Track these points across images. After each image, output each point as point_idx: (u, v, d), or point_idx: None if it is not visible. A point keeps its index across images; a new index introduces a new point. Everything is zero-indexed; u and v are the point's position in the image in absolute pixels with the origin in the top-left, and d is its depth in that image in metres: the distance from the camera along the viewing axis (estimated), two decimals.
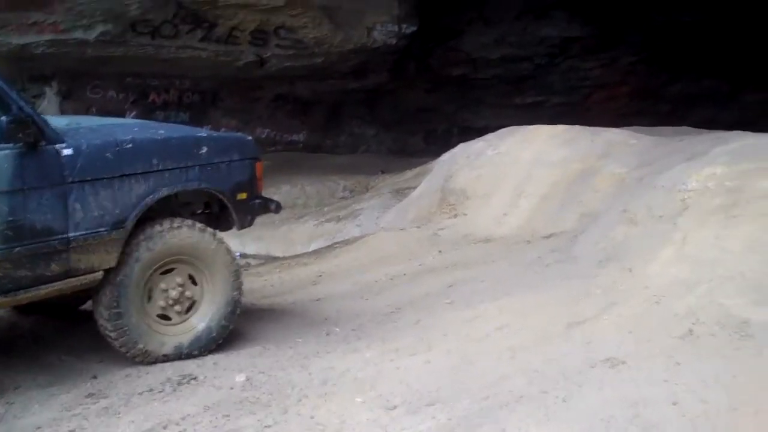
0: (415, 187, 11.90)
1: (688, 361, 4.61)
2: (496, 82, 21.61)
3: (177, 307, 5.65)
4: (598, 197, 8.60)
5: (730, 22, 20.15)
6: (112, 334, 5.37)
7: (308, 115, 20.34)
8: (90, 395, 5.13)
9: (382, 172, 16.42)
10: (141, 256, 5.40)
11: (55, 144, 5.07)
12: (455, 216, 9.79)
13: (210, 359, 5.66)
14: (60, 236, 5.05)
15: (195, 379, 5.29)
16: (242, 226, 6.27)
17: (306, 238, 11.99)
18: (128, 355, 5.45)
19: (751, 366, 4.43)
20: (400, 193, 12.87)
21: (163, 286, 5.58)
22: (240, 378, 5.23)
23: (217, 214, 6.23)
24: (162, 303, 5.59)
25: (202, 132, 6.32)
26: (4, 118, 4.79)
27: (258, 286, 8.09)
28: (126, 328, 5.36)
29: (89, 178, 5.17)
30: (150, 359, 5.50)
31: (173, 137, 5.86)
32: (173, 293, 5.61)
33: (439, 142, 19.91)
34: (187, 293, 5.69)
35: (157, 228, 5.49)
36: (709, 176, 6.38)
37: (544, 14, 20.34)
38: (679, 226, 6.07)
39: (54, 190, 5.04)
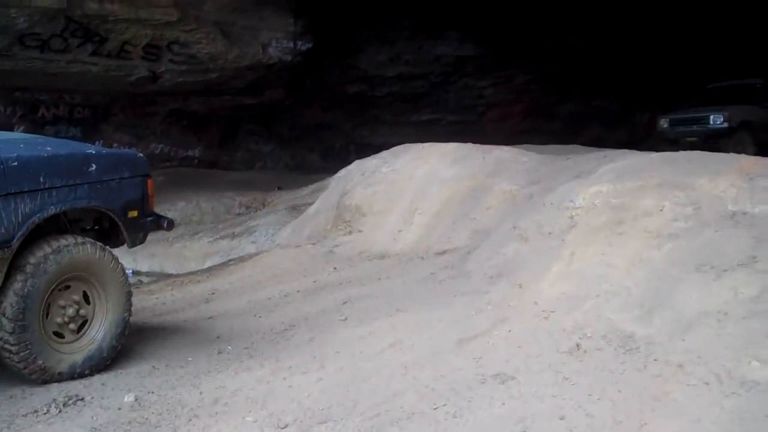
0: (311, 204, 11.90)
1: (576, 375, 4.69)
2: (392, 99, 21.78)
3: (71, 325, 5.58)
4: (489, 214, 8.73)
5: (619, 44, 20.71)
6: (13, 349, 5.20)
7: (204, 130, 20.17)
8: None
9: (279, 189, 16.37)
10: (47, 270, 5.31)
11: None
12: (350, 233, 9.82)
13: (97, 379, 5.54)
14: None
15: (81, 399, 5.16)
16: (133, 244, 6.21)
17: (200, 255, 11.88)
18: (25, 371, 5.30)
19: (636, 379, 4.53)
20: (297, 209, 12.85)
21: (61, 302, 5.51)
22: (128, 398, 5.13)
23: (107, 231, 6.15)
24: (59, 320, 5.50)
25: (91, 149, 6.15)
26: None
27: (150, 304, 7.97)
28: (28, 343, 5.23)
29: None
30: (46, 377, 5.38)
31: (61, 154, 5.70)
32: (70, 311, 5.55)
33: (337, 159, 19.96)
34: (81, 311, 5.62)
35: (63, 243, 5.43)
36: (596, 194, 6.52)
37: (438, 34, 20.59)
38: (567, 242, 6.19)
39: None
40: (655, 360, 4.68)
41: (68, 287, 5.56)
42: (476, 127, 21.82)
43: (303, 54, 18.17)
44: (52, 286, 5.40)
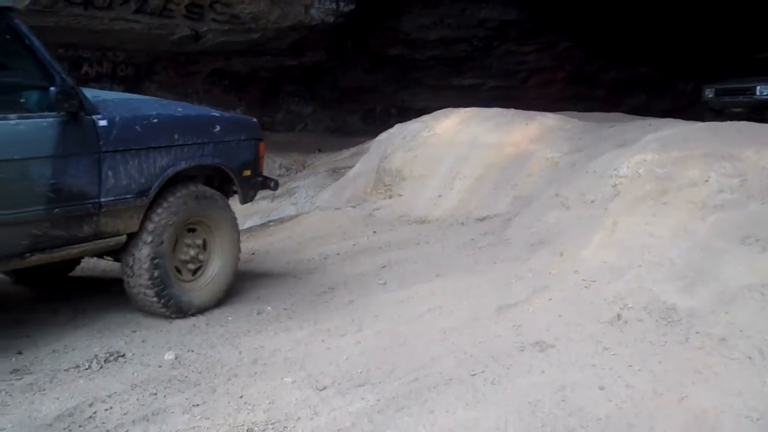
0: (351, 167, 11.90)
1: (616, 346, 4.67)
2: (434, 63, 21.64)
3: (190, 265, 6.10)
4: (531, 181, 8.68)
5: (664, 11, 20.40)
6: (148, 284, 5.73)
7: (245, 91, 20.18)
8: (14, 371, 5.02)
9: (319, 151, 16.36)
10: (178, 214, 5.87)
11: (92, 115, 5.35)
12: (390, 197, 9.81)
13: (138, 336, 5.59)
14: (93, 200, 5.36)
15: (122, 356, 5.21)
16: (245, 201, 6.78)
17: (240, 216, 11.88)
18: (159, 307, 5.82)
19: (677, 352, 4.50)
20: (337, 172, 12.85)
21: (187, 241, 6.06)
22: (169, 356, 5.17)
23: (217, 188, 6.52)
24: (182, 257, 6.04)
25: (215, 112, 6.66)
26: (52, 88, 5.03)
27: None
28: (159, 280, 5.76)
29: (121, 149, 5.50)
30: (172, 311, 5.88)
31: (192, 115, 6.29)
32: (192, 252, 6.10)
33: (378, 122, 19.93)
34: (200, 256, 6.17)
35: (192, 190, 6.00)
36: (640, 163, 6.45)
37: None
38: (610, 211, 6.14)
39: (90, 158, 5.33)
40: (697, 333, 4.66)
41: (193, 231, 6.10)
42: (518, 93, 21.65)
43: (345, 15, 18.08)
44: (177, 226, 5.90)
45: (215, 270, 6.25)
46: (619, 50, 22.06)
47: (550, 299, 5.47)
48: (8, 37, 5.14)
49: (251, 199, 6.89)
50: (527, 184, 8.67)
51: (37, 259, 5.25)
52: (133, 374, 4.93)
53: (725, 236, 5.32)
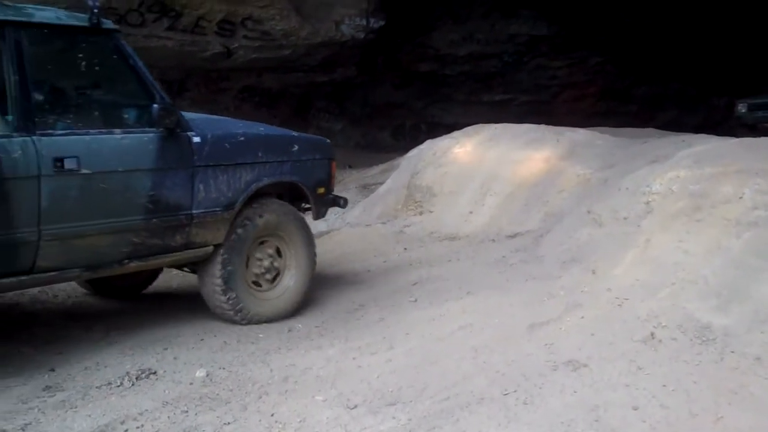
0: (381, 183, 11.89)
1: (650, 365, 4.61)
2: (464, 78, 21.62)
3: (267, 275, 6.40)
4: (562, 197, 8.63)
5: (697, 26, 20.29)
6: (222, 298, 6.09)
7: (276, 107, 20.24)
8: (47, 388, 5.05)
9: (350, 167, 16.36)
10: (254, 227, 6.22)
11: (187, 132, 5.78)
12: (421, 213, 9.79)
13: (170, 353, 5.61)
14: (186, 212, 5.77)
15: (154, 373, 5.23)
16: (317, 217, 7.09)
17: None
18: (231, 314, 6.15)
19: (712, 371, 4.44)
20: (367, 188, 12.84)
21: (258, 255, 6.34)
22: (200, 373, 5.19)
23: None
24: (256, 271, 6.33)
25: (293, 132, 7.02)
26: (155, 105, 5.47)
27: None
28: (233, 289, 6.10)
29: (211, 164, 5.90)
30: (248, 320, 6.20)
31: (273, 134, 6.75)
32: (266, 262, 6.38)
33: (408, 138, 19.91)
34: (275, 264, 6.45)
35: (268, 205, 6.36)
36: (673, 179, 6.39)
37: (512, 12, 20.36)
38: (643, 228, 6.09)
39: (185, 172, 5.75)
40: (732, 352, 4.59)
41: (264, 242, 6.38)
42: (549, 109, 21.57)
43: (375, 31, 18.12)
44: (252, 240, 6.25)
45: (290, 282, 6.51)
46: (651, 65, 21.94)
47: (583, 317, 5.42)
48: (114, 57, 5.57)
49: (323, 216, 7.20)
50: (559, 200, 8.62)
51: (134, 266, 5.66)
52: (164, 392, 4.94)
53: (760, 253, 5.25)
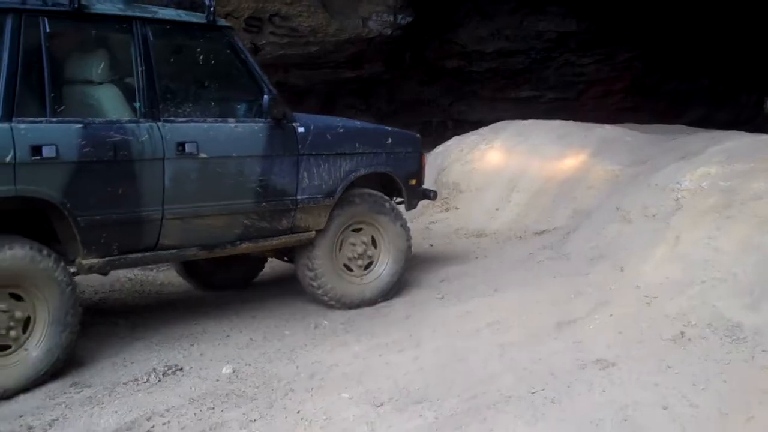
0: None
1: (679, 364, 4.57)
2: (491, 75, 21.50)
3: (359, 261, 6.73)
4: (591, 194, 8.58)
5: (726, 22, 20.10)
6: (314, 283, 6.47)
7: (303, 103, 20.16)
8: (74, 384, 5.07)
9: None
10: (345, 213, 6.58)
11: (292, 122, 6.17)
12: (447, 209, 9.77)
13: (196, 350, 5.62)
14: (291, 198, 6.16)
15: (180, 369, 5.24)
16: (410, 207, 7.31)
17: None
18: (324, 298, 6.53)
19: (743, 370, 4.38)
20: None
21: (352, 241, 6.70)
22: (226, 370, 5.19)
23: None
24: (349, 255, 6.69)
25: (387, 127, 7.29)
26: (265, 97, 5.91)
27: None
28: (324, 272, 6.48)
29: (314, 153, 6.27)
30: (340, 304, 6.57)
31: (369, 128, 7.11)
32: (359, 249, 6.73)
33: (434, 135, 19.81)
34: (368, 252, 6.80)
35: (359, 192, 6.68)
36: (704, 176, 6.32)
37: (540, 9, 20.22)
38: (673, 225, 6.02)
39: (290, 160, 6.14)
40: (763, 351, 4.54)
41: (359, 230, 6.74)
42: (576, 105, 21.43)
43: (403, 28, 18.05)
44: (345, 227, 6.61)
45: (381, 269, 6.82)
46: (679, 61, 21.75)
47: (611, 315, 5.37)
48: (228, 52, 5.98)
49: (414, 207, 7.39)
50: (587, 197, 8.56)
51: (245, 247, 6.07)
52: (190, 388, 4.94)
53: None
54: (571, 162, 9.38)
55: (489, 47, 20.77)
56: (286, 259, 6.86)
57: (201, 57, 5.96)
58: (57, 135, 4.99)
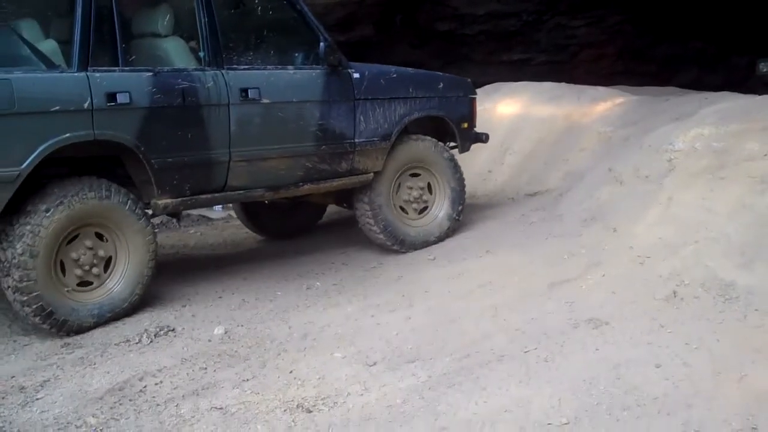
0: None
1: (672, 323, 4.57)
2: (482, 38, 21.39)
3: (414, 205, 7.04)
4: (583, 156, 8.55)
5: None
6: (375, 227, 6.78)
7: None
8: (66, 345, 5.07)
9: None
10: (399, 157, 6.85)
11: (347, 69, 6.47)
12: None
13: (188, 311, 5.61)
14: (349, 140, 6.46)
15: (172, 330, 5.23)
16: (463, 150, 7.51)
17: None
18: (393, 246, 6.84)
19: (736, 330, 4.38)
20: None
21: (409, 184, 7.00)
22: (218, 330, 5.18)
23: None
24: (405, 197, 6.99)
25: (438, 73, 7.58)
26: (322, 44, 6.20)
27: (239, 238, 8.03)
28: (384, 215, 6.78)
29: (370, 98, 6.57)
30: (400, 245, 6.86)
31: (421, 73, 7.39)
32: (414, 192, 7.02)
33: None
34: (424, 196, 7.07)
35: (411, 137, 6.94)
36: (697, 137, 6.28)
37: None
38: (665, 186, 6.00)
39: (347, 104, 6.44)
40: (756, 310, 4.53)
41: (417, 175, 7.02)
42: (567, 68, 21.32)
43: None
44: (401, 170, 6.90)
45: (438, 212, 7.11)
46: (670, 24, 21.66)
47: (604, 275, 5.37)
48: (284, 2, 6.23)
49: (467, 149, 7.56)
50: (579, 159, 8.53)
51: (307, 188, 6.39)
52: (183, 348, 4.95)
53: None
54: (563, 124, 9.35)
55: (480, 9, 20.62)
56: (345, 205, 7.15)
57: (259, 7, 6.37)
58: (130, 83, 5.36)
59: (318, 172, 6.35)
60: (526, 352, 4.49)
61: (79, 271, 5.29)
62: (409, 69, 7.35)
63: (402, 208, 6.95)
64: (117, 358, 4.82)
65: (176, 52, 5.82)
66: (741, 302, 4.64)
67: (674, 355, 4.22)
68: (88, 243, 5.32)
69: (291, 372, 4.52)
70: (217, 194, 5.98)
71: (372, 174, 6.66)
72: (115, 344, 5.04)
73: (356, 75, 6.51)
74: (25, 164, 4.92)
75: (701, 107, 7.33)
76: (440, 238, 7.03)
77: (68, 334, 5.18)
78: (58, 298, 5.14)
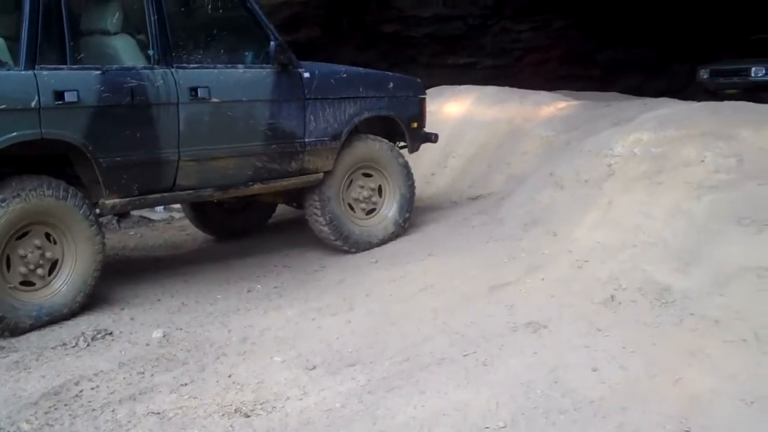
0: None
1: (609, 327, 4.61)
2: (428, 41, 21.47)
3: (363, 205, 7.08)
4: (525, 159, 8.62)
5: None
6: (321, 219, 6.78)
7: None
8: (0, 348, 4.98)
9: None
10: (349, 158, 6.87)
11: (298, 68, 6.49)
12: None
13: (126, 314, 5.55)
14: (299, 140, 6.48)
15: (110, 334, 5.17)
16: (412, 150, 7.58)
17: None
18: (336, 242, 6.85)
19: (671, 333, 4.43)
20: None
21: (360, 183, 7.04)
22: (157, 334, 5.14)
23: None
24: (354, 195, 7.02)
25: (388, 73, 7.65)
26: (272, 43, 6.20)
27: (180, 240, 7.97)
28: (334, 215, 6.79)
29: (320, 97, 6.59)
30: (350, 245, 6.89)
31: (371, 73, 7.41)
32: (364, 192, 7.07)
33: None
34: (373, 198, 7.14)
35: (361, 138, 6.98)
36: (636, 142, 6.35)
37: None
38: (605, 191, 6.05)
39: (297, 104, 6.46)
40: (692, 314, 4.58)
41: (370, 175, 7.08)
42: (512, 72, 21.47)
43: None
44: (353, 169, 6.95)
45: (387, 212, 7.17)
46: (615, 30, 21.90)
47: (543, 279, 5.42)
48: (235, 1, 6.22)
49: (417, 149, 7.63)
50: (521, 162, 8.60)
51: (257, 188, 6.41)
52: (120, 352, 4.89)
53: (721, 217, 5.23)
54: (506, 128, 9.41)
55: (426, 12, 20.70)
56: (295, 204, 7.18)
57: (209, 6, 6.40)
58: (78, 81, 5.35)
59: (268, 171, 6.36)
60: (465, 355, 4.51)
61: (23, 269, 5.25)
62: (360, 69, 7.41)
63: (350, 206, 6.97)
64: (53, 362, 4.75)
65: (125, 50, 5.81)
66: (677, 306, 4.69)
67: (611, 358, 4.26)
68: (38, 242, 5.30)
69: (230, 376, 4.49)
70: (165, 194, 5.97)
71: (322, 174, 6.68)
72: (51, 348, 4.97)
73: (306, 74, 6.54)
74: None
75: (641, 113, 7.42)
76: (383, 241, 7.04)
77: (2, 333, 5.10)
78: None
